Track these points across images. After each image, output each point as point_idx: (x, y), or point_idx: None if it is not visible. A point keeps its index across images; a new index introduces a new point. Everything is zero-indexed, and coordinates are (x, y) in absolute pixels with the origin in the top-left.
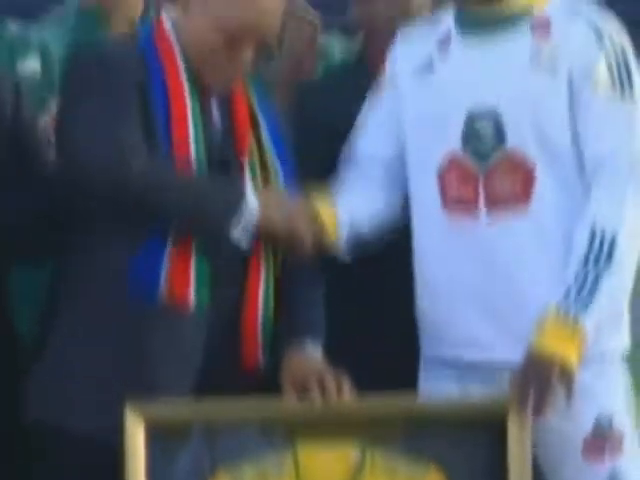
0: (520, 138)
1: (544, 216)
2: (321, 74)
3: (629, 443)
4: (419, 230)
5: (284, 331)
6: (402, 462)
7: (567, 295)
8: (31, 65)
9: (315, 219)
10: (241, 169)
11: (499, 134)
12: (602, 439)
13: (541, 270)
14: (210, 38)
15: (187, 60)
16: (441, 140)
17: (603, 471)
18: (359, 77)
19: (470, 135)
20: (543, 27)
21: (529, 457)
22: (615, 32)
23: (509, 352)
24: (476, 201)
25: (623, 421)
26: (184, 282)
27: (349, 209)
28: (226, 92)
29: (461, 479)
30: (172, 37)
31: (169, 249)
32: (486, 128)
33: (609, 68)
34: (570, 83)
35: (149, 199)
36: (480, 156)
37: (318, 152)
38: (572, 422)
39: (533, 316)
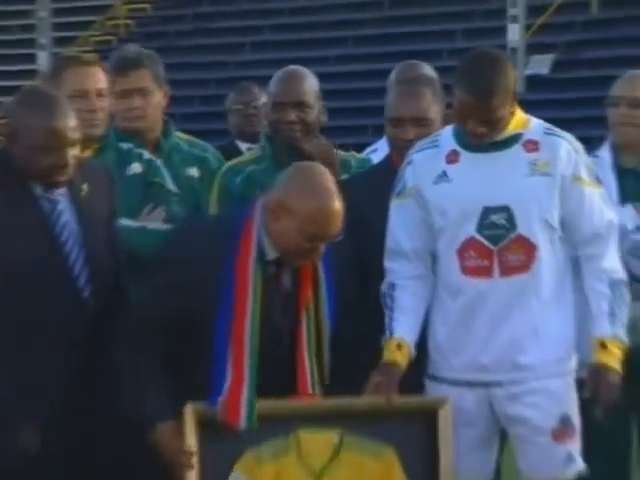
0: (528, 225)
1: (541, 274)
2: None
3: (578, 434)
4: (441, 290)
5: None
6: (367, 442)
7: (612, 323)
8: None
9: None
10: (299, 321)
11: (511, 223)
12: (564, 430)
13: (536, 312)
14: (295, 239)
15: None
16: (460, 228)
17: (563, 451)
18: (388, 175)
19: (485, 224)
20: (533, 144)
21: (451, 436)
22: (580, 146)
23: (507, 375)
24: (491, 268)
25: (576, 419)
26: (236, 414)
27: (414, 331)
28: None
29: (408, 453)
30: (255, 229)
31: (228, 385)
32: (500, 219)
33: (587, 169)
34: (562, 183)
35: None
36: (494, 238)
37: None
38: (545, 417)
39: (527, 345)
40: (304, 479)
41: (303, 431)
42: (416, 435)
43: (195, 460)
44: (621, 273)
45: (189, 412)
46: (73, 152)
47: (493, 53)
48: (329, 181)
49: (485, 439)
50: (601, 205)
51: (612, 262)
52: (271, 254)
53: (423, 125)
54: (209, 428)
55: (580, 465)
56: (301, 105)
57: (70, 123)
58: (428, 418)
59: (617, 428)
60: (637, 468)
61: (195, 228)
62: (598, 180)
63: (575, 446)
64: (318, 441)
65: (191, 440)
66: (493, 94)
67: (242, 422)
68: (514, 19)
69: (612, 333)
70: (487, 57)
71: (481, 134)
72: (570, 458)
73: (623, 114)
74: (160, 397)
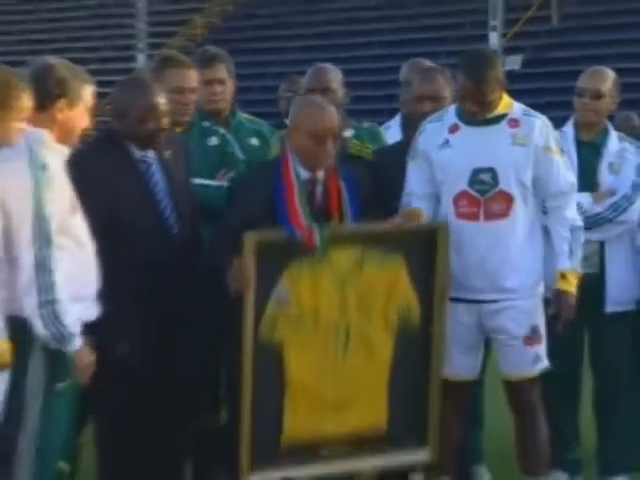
0: (507, 183)
1: (516, 220)
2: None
3: (544, 340)
4: None
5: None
6: (384, 254)
7: (571, 259)
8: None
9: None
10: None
11: (495, 180)
12: (533, 337)
13: (513, 249)
14: (305, 143)
15: (299, 162)
16: (456, 183)
17: (532, 352)
18: (406, 148)
19: (475, 180)
20: (515, 122)
21: (448, 254)
22: (550, 123)
23: (492, 295)
24: (478, 214)
25: (542, 329)
26: (312, 240)
27: None
28: (327, 178)
29: (412, 261)
30: (289, 153)
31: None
32: (487, 177)
33: (555, 142)
34: (535, 152)
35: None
36: (482, 192)
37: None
38: (519, 327)
39: (507, 274)
40: (332, 286)
41: (334, 248)
42: (420, 247)
43: (252, 273)
44: (579, 221)
45: (248, 237)
46: (165, 120)
47: (487, 52)
48: (320, 98)
49: (474, 344)
50: (564, 170)
51: (572, 213)
52: (303, 174)
53: (437, 101)
54: (263, 250)
55: (545, 364)
56: (326, 90)
57: (162, 99)
58: (430, 235)
59: (572, 338)
60: (587, 369)
61: (248, 174)
62: (562, 151)
63: (541, 349)
64: (345, 255)
65: (249, 259)
66: (485, 81)
67: (318, 244)
68: (494, 28)
69: (571, 266)
70: (482, 54)
71: (475, 112)
72: (537, 358)
73: (586, 102)
74: (229, 253)
